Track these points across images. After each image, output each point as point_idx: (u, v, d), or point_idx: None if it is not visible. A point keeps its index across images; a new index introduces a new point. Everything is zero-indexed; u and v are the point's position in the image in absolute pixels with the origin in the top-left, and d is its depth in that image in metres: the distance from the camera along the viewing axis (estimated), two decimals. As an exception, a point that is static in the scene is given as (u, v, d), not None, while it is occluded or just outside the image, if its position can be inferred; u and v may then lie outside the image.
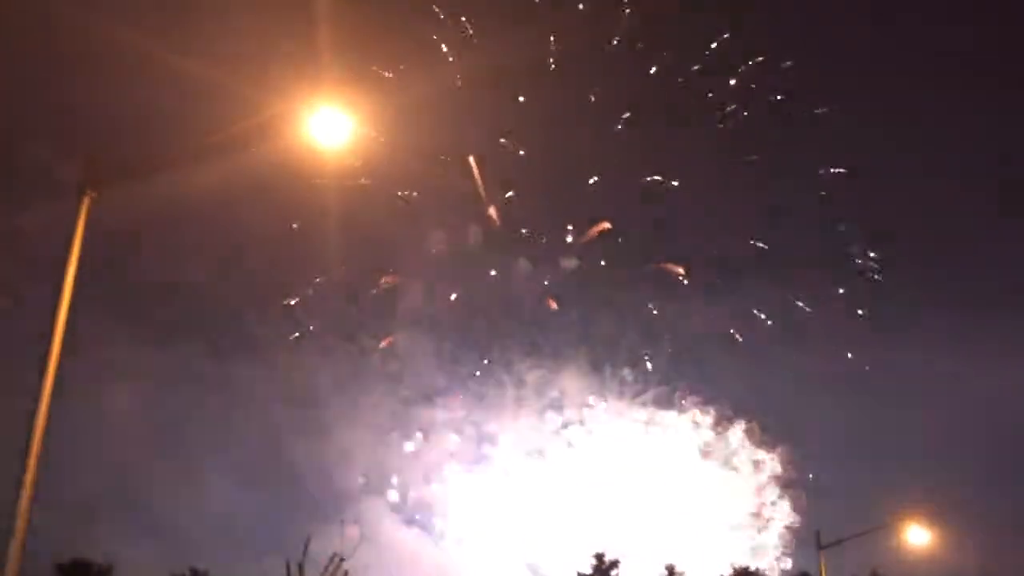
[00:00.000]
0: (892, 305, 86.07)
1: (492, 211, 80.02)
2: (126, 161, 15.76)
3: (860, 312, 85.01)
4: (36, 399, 14.23)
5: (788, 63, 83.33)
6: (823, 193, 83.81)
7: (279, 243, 77.07)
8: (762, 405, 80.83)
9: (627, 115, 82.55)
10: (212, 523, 67.43)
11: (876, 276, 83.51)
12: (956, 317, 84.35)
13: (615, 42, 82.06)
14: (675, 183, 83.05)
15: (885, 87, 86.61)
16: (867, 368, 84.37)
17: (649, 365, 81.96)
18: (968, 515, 57.90)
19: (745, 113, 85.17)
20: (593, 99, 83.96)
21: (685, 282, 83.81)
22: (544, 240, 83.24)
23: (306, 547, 35.24)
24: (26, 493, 13.82)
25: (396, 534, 68.06)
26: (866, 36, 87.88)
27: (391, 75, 70.50)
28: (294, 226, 74.23)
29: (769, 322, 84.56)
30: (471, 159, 79.56)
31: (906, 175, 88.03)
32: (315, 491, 72.91)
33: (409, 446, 75.85)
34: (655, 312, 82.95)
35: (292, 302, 78.78)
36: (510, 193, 79.78)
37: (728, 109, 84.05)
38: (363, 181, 72.83)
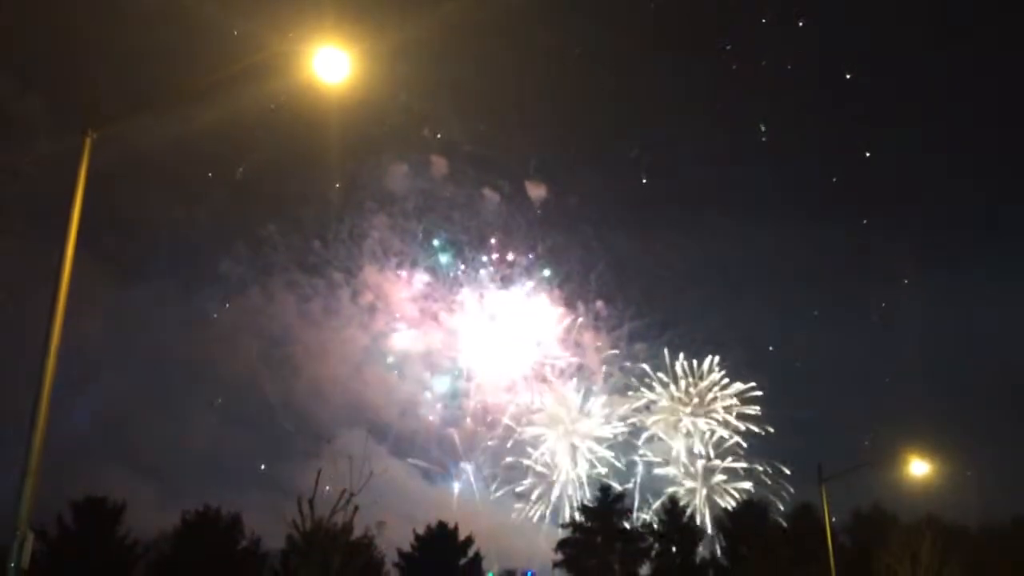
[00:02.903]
0: (891, 242, 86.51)
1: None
2: (127, 100, 15.55)
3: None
4: (44, 339, 14.26)
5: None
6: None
7: (244, 181, 76.64)
8: (765, 339, 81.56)
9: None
10: (200, 460, 68.27)
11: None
12: (961, 254, 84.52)
13: None
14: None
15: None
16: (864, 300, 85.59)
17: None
18: (969, 447, 58.59)
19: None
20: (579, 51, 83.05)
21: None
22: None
23: (316, 482, 35.54)
24: (38, 433, 13.93)
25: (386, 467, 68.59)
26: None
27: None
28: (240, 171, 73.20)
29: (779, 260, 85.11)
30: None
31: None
32: (295, 426, 73.68)
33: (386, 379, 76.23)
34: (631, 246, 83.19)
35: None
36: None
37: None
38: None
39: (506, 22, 73.82)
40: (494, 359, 78.52)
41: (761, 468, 79.24)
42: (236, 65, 14.89)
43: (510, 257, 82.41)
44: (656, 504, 73.88)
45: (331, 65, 15.63)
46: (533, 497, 77.01)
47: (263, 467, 71.82)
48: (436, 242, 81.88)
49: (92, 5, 58.85)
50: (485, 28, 72.57)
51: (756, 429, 78.74)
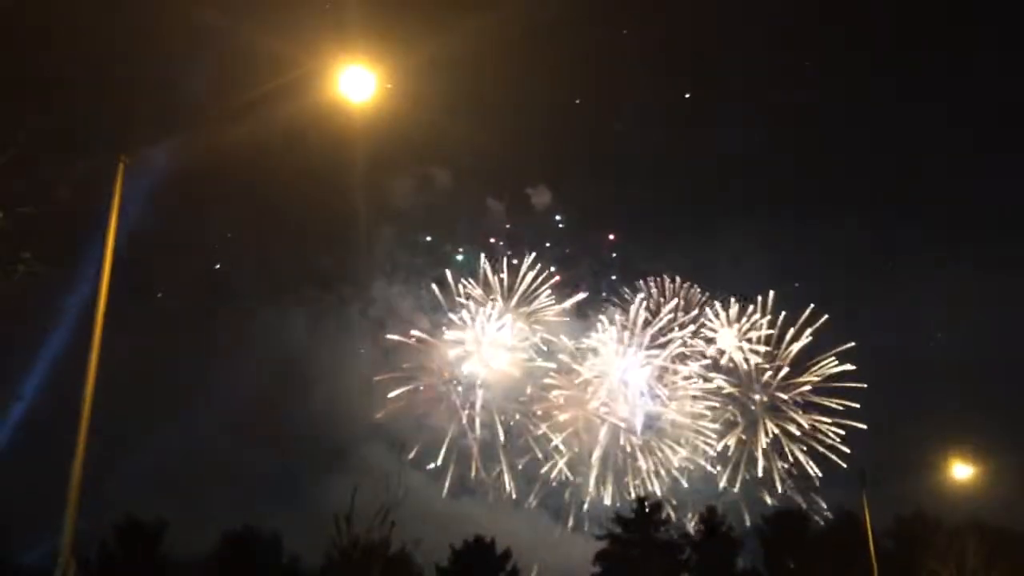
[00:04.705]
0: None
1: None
2: (156, 122, 15.76)
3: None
4: (83, 362, 14.43)
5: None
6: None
7: (257, 197, 76.81)
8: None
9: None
10: (219, 478, 68.28)
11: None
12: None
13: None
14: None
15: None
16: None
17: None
18: (1014, 448, 57.43)
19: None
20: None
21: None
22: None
23: (353, 499, 35.63)
24: (77, 462, 14.02)
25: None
26: None
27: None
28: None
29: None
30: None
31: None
32: (313, 441, 73.61)
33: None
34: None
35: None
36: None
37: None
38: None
39: (523, 38, 73.76)
40: (507, 371, 78.00)
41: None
42: (265, 86, 15.05)
43: (519, 266, 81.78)
44: (691, 513, 73.17)
45: (357, 84, 15.75)
46: (561, 506, 76.76)
47: (284, 483, 72.10)
48: (443, 252, 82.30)
49: (120, 27, 59.44)
50: (501, 44, 72.48)
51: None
